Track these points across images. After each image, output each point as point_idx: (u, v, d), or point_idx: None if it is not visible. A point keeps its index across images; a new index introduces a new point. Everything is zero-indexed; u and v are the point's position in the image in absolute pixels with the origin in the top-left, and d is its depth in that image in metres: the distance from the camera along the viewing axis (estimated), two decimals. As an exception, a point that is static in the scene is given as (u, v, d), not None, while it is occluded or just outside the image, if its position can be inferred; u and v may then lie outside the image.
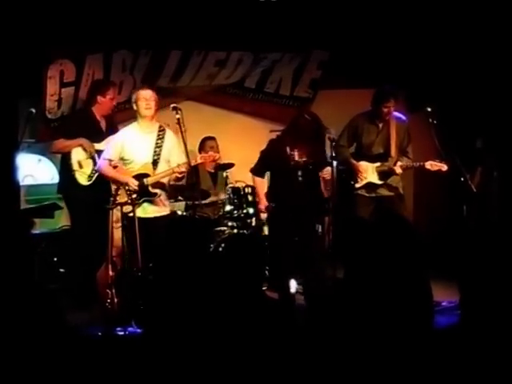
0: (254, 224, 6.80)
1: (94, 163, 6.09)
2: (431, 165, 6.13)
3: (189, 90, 7.61)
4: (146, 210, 5.65)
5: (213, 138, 7.33)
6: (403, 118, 6.38)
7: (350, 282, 3.12)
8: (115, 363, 2.85)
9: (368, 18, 6.99)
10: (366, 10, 6.89)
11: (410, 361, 2.69)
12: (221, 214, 6.79)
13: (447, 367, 2.64)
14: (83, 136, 6.16)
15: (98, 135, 6.19)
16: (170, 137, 5.75)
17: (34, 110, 5.84)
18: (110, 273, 5.31)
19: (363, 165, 6.31)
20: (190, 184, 6.29)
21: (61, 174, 6.49)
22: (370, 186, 6.32)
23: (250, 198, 6.70)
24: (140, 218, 5.39)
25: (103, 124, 6.31)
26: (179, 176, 5.71)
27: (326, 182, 5.91)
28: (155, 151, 5.70)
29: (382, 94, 6.16)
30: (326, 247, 6.73)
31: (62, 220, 6.91)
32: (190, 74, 7.44)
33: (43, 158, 7.15)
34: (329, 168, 5.79)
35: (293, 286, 5.86)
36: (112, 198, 5.28)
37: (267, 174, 6.14)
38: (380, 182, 6.32)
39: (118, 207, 5.30)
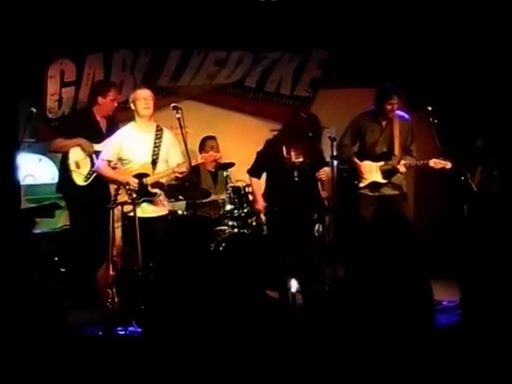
0: (254, 223, 6.80)
1: (92, 164, 6.09)
2: (435, 163, 6.08)
3: (189, 90, 7.61)
4: (145, 210, 5.65)
5: (213, 138, 7.32)
6: (406, 116, 6.35)
7: (350, 282, 3.12)
8: (116, 363, 2.85)
9: (368, 17, 7.00)
10: (366, 9, 6.90)
11: (410, 360, 2.69)
12: (221, 213, 6.78)
13: (448, 366, 2.64)
14: (83, 136, 6.16)
15: (98, 136, 6.18)
16: (168, 136, 5.76)
17: (34, 110, 5.84)
18: (111, 272, 5.31)
19: (367, 164, 6.27)
20: (191, 183, 6.28)
21: (59, 173, 6.50)
22: (373, 185, 6.28)
23: (250, 197, 6.69)
24: (139, 218, 5.38)
25: (103, 125, 6.30)
26: (179, 176, 5.72)
27: (322, 182, 5.90)
28: (154, 151, 5.70)
29: (385, 92, 6.13)
30: (326, 247, 6.72)
31: (62, 219, 6.91)
32: (190, 73, 7.44)
33: (44, 158, 7.15)
34: (326, 168, 5.78)
35: (294, 285, 5.85)
36: (113, 198, 5.29)
37: (264, 175, 6.12)
38: (384, 181, 6.28)
39: (119, 207, 5.31)
